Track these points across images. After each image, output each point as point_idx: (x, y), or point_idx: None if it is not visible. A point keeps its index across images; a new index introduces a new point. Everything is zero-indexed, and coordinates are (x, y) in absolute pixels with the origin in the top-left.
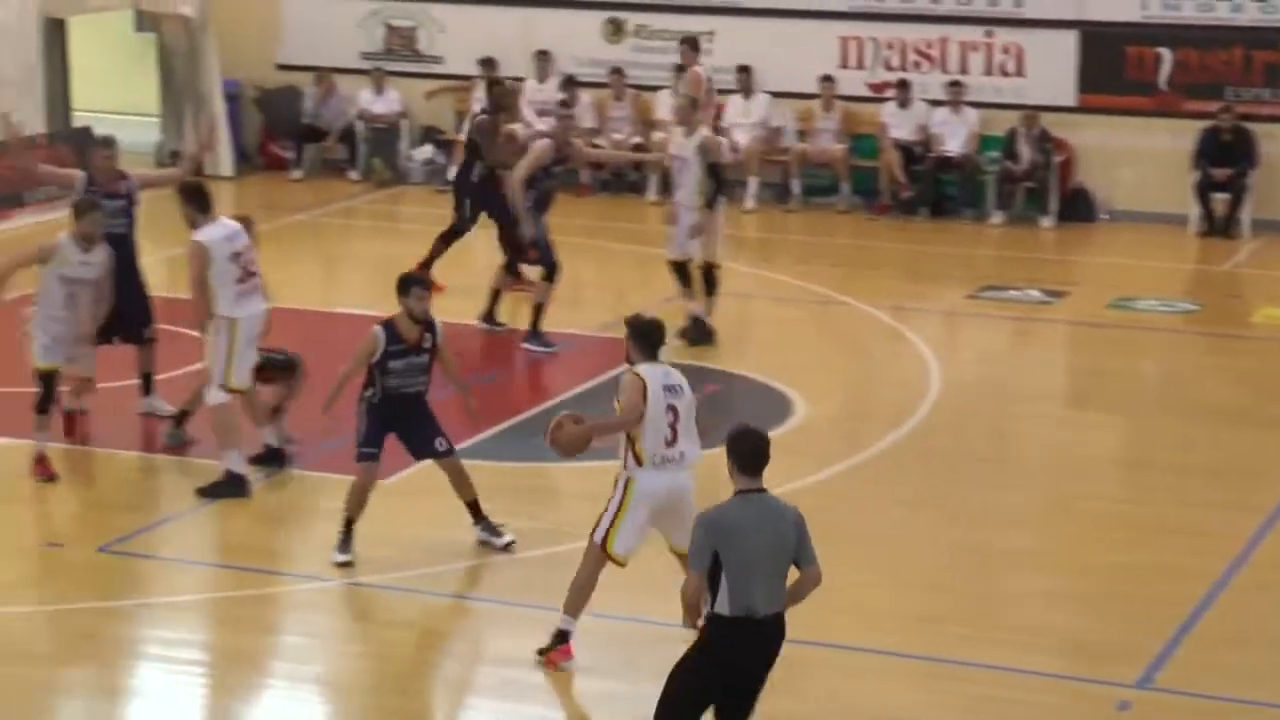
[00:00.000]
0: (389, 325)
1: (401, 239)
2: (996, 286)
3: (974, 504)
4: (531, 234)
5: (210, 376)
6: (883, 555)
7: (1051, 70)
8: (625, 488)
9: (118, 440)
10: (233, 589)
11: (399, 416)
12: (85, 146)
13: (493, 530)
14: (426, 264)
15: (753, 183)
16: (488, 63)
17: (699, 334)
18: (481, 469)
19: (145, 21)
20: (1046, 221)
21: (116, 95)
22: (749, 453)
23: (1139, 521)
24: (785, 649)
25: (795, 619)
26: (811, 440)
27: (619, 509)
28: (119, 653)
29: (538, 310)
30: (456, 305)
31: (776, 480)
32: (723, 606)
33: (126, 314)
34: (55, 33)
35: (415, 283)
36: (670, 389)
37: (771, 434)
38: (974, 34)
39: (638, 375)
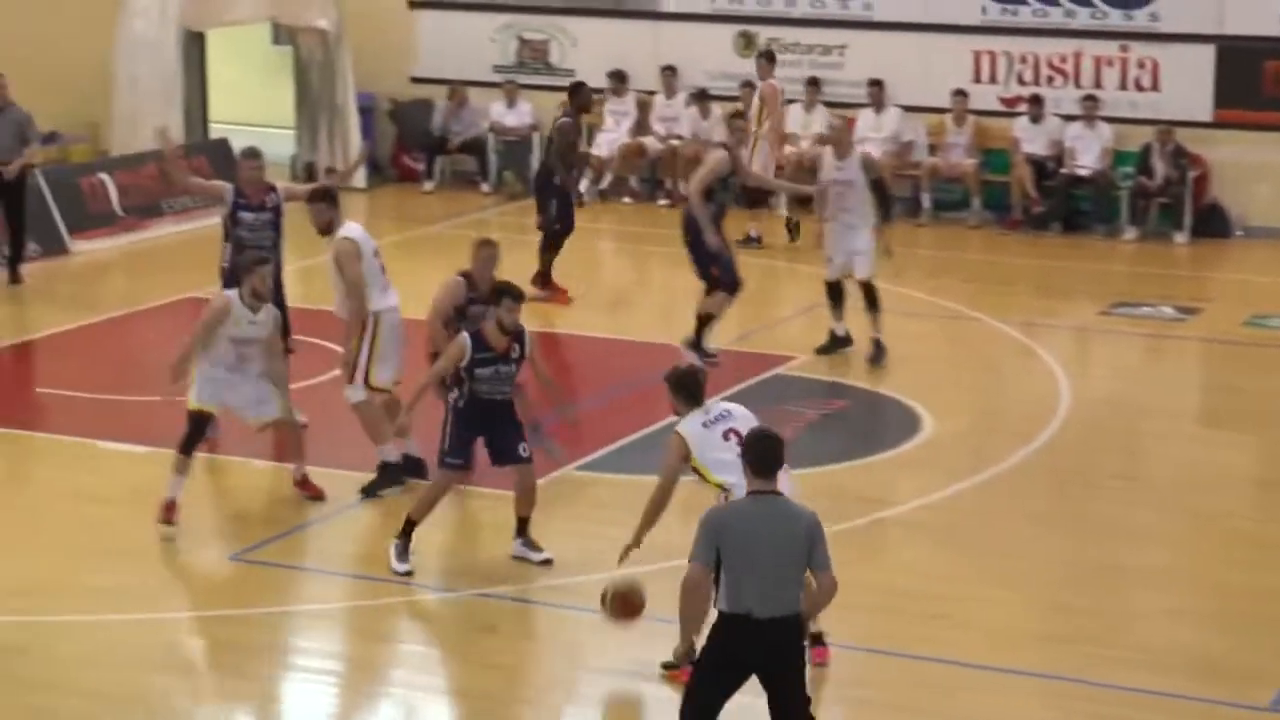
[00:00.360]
0: (476, 334)
1: (530, 251)
2: (1129, 303)
3: (1105, 521)
4: (715, 246)
5: (351, 374)
6: (1012, 571)
7: (1187, 85)
8: (728, 499)
9: (249, 449)
10: (361, 599)
11: (484, 421)
12: (222, 158)
13: (532, 546)
14: (545, 277)
15: None
16: (618, 76)
17: (878, 354)
18: (613, 482)
19: (282, 35)
20: (1180, 237)
21: (253, 107)
22: (762, 454)
23: (1272, 541)
24: (913, 665)
25: (927, 636)
26: (941, 455)
27: None
28: (257, 660)
29: (706, 321)
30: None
31: (906, 495)
32: (722, 603)
33: None
34: (194, 45)
35: (506, 293)
36: (715, 420)
37: (900, 449)
38: (1109, 48)
39: (677, 435)
